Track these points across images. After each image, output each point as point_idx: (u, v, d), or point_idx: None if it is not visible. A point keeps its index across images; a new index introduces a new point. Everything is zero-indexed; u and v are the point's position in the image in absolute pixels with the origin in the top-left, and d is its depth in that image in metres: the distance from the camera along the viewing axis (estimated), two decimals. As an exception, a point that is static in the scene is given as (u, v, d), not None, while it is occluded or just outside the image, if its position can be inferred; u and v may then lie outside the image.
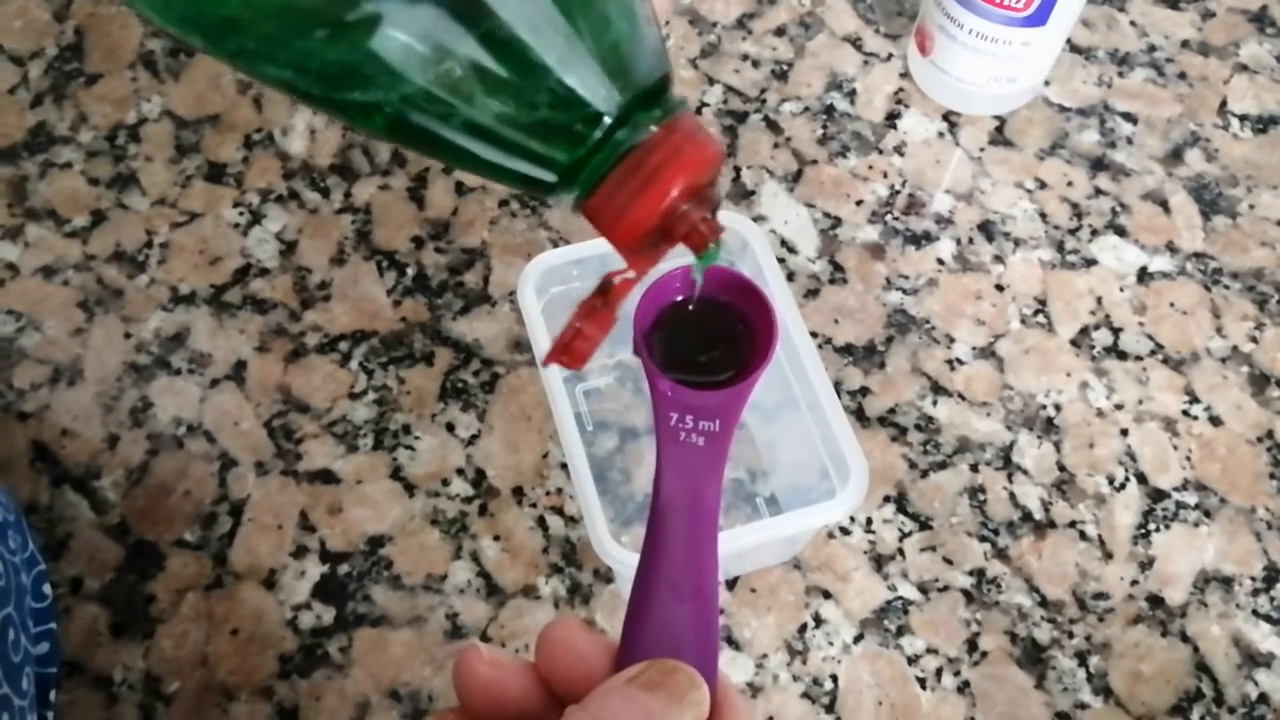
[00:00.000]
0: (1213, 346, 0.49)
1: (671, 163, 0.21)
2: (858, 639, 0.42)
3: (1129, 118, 0.56)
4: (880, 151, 0.54)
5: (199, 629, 0.42)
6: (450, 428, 0.46)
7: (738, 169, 0.53)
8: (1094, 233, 0.52)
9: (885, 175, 0.53)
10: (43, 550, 0.42)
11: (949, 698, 0.41)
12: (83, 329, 0.49)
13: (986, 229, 0.52)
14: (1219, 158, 0.54)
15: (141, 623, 0.42)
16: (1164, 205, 0.53)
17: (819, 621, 0.42)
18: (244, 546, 0.44)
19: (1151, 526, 0.45)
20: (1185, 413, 0.47)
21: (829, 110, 0.55)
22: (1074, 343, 0.49)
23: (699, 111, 0.55)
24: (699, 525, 0.24)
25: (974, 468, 0.46)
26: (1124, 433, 0.47)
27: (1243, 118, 0.56)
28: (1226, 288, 0.51)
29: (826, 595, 0.43)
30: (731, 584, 0.43)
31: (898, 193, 0.53)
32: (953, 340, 0.49)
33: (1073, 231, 0.52)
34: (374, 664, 0.41)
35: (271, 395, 0.47)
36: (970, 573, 0.43)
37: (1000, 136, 0.55)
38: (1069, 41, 0.57)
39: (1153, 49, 0.58)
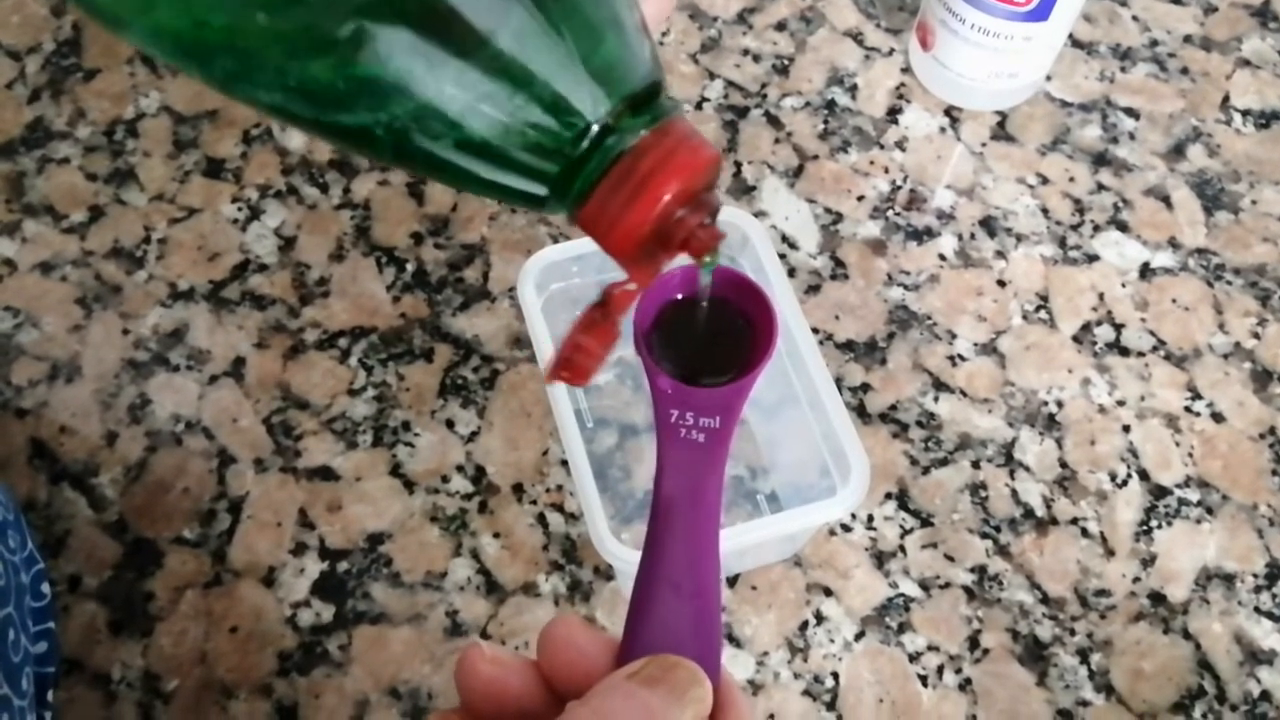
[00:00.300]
0: (1215, 343, 0.49)
1: (663, 168, 0.20)
2: (859, 636, 0.42)
3: (1131, 113, 0.55)
4: (881, 147, 0.54)
5: (198, 627, 0.42)
6: (450, 424, 0.46)
7: (738, 164, 0.53)
8: (1096, 228, 0.52)
9: (886, 171, 0.53)
10: (41, 548, 0.42)
11: (950, 695, 0.41)
12: (81, 325, 0.48)
13: (988, 225, 0.52)
14: (1221, 153, 0.54)
15: (140, 620, 0.42)
16: (1166, 201, 0.53)
17: (820, 619, 0.42)
18: (243, 544, 0.43)
19: (1153, 523, 0.44)
20: (1187, 409, 0.47)
21: (830, 105, 0.55)
22: (1076, 339, 0.49)
23: (699, 107, 0.55)
24: (700, 522, 0.24)
25: (975, 464, 0.45)
26: (1126, 429, 0.47)
27: (1245, 113, 0.56)
28: (1229, 284, 0.50)
29: (827, 592, 0.43)
30: (732, 581, 0.43)
31: (899, 188, 0.53)
32: (954, 336, 0.49)
33: (1075, 227, 0.52)
34: (373, 662, 0.41)
35: (270, 392, 0.47)
36: (972, 570, 0.43)
37: (1002, 132, 0.55)
38: (1071, 36, 0.57)
39: (1155, 44, 0.58)
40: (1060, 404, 0.47)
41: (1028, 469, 0.45)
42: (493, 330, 0.48)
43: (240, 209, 0.52)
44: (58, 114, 0.54)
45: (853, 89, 0.56)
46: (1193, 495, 0.45)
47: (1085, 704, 0.41)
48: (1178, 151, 0.54)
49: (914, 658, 0.42)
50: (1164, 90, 0.56)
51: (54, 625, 0.40)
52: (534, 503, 0.44)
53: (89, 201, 0.52)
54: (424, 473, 0.45)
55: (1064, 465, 0.46)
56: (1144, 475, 0.45)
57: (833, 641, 0.42)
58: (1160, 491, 0.45)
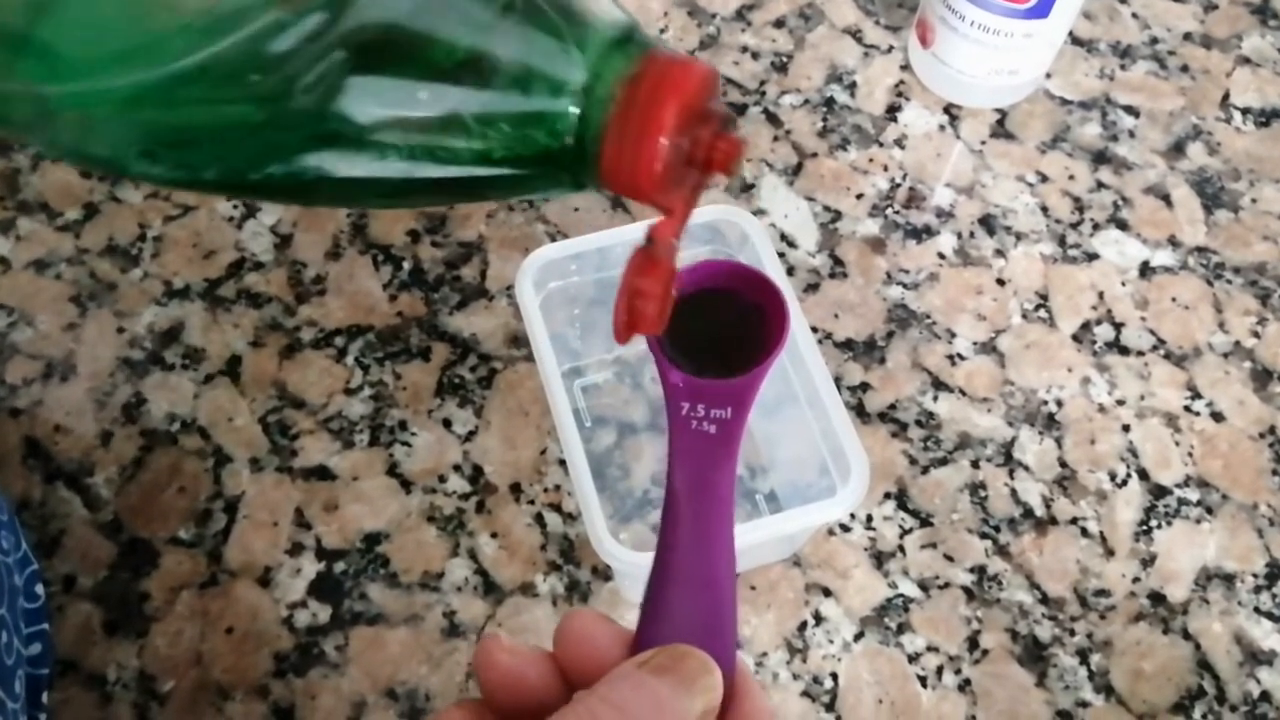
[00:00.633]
0: (1215, 341, 0.49)
1: (658, 92, 0.20)
2: (858, 637, 0.42)
3: (1131, 111, 0.55)
4: (881, 144, 0.54)
5: (193, 627, 0.42)
6: (447, 423, 0.46)
7: (737, 162, 0.53)
8: (1095, 227, 0.52)
9: (886, 168, 0.53)
10: (35, 548, 0.42)
11: (950, 696, 0.41)
12: (75, 324, 0.48)
13: (987, 223, 0.51)
14: (1221, 151, 0.54)
15: (135, 621, 0.42)
16: (1166, 199, 0.53)
17: (819, 619, 0.42)
18: (239, 544, 0.43)
19: (1153, 523, 0.44)
20: (1187, 408, 0.47)
21: (829, 103, 0.55)
22: (1075, 338, 0.49)
23: (698, 104, 0.55)
24: (712, 513, 0.24)
25: (975, 464, 0.45)
26: (1125, 428, 0.46)
27: (1245, 111, 0.56)
28: (1229, 282, 0.50)
29: (826, 593, 0.43)
30: (731, 581, 0.43)
31: (898, 186, 0.52)
32: (954, 335, 0.48)
33: (1074, 225, 0.52)
34: (370, 662, 0.41)
35: (266, 391, 0.46)
36: (971, 570, 0.43)
37: (1001, 129, 0.54)
38: (1071, 34, 0.57)
39: (1155, 41, 0.58)
40: (1060, 403, 0.47)
41: (1027, 468, 0.45)
42: (490, 329, 0.48)
43: (235, 206, 0.51)
44: (52, 111, 0.54)
45: (852, 86, 0.56)
46: (1192, 495, 0.45)
47: (1085, 704, 0.41)
48: (1178, 149, 0.54)
49: (913, 658, 0.41)
50: (1164, 88, 0.56)
51: (48, 626, 0.40)
52: (532, 502, 0.44)
53: (83, 199, 0.51)
54: (421, 472, 0.45)
55: (1063, 465, 0.45)
56: (1144, 475, 0.45)
57: (832, 642, 0.42)
58: (1160, 491, 0.45)
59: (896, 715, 0.40)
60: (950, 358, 0.48)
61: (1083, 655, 0.42)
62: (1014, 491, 0.45)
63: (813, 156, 0.53)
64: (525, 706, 0.23)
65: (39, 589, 0.40)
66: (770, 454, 0.45)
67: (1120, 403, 0.47)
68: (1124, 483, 0.45)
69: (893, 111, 0.55)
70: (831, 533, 0.44)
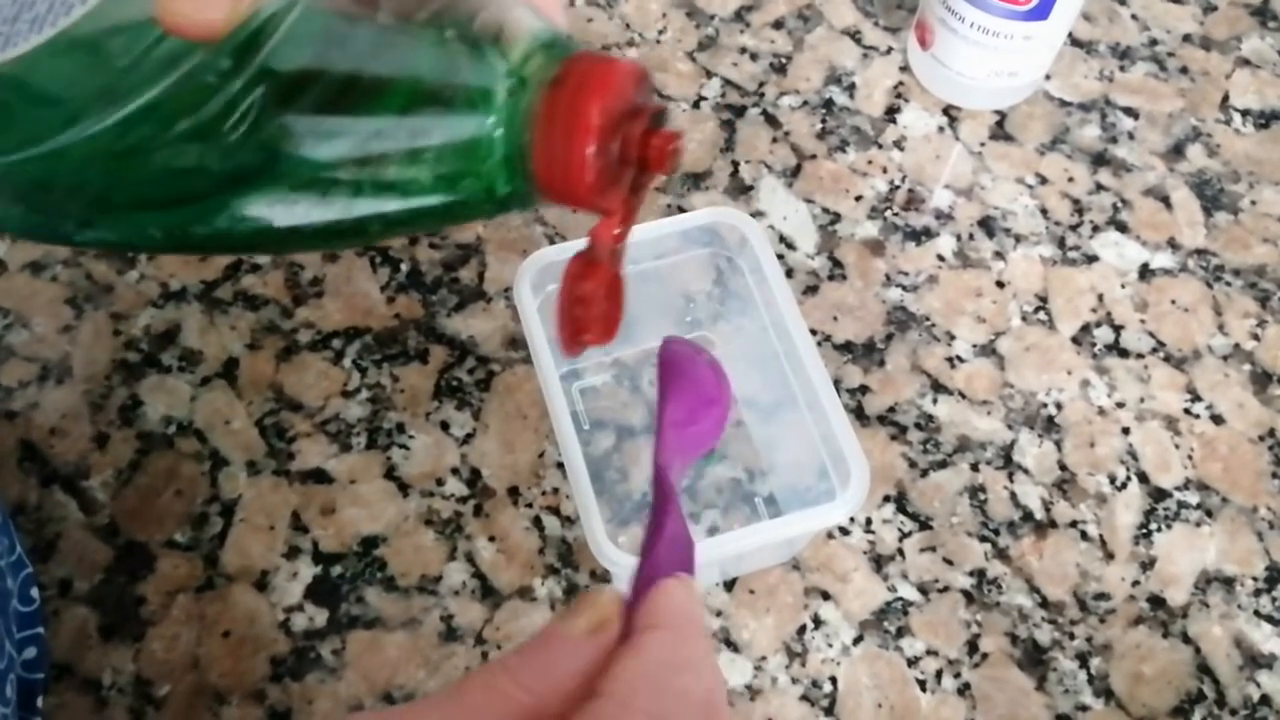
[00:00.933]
0: (1214, 344, 0.49)
1: (580, 91, 0.20)
2: (857, 640, 0.42)
3: (1130, 112, 0.55)
4: (880, 146, 0.54)
5: (190, 631, 0.41)
6: (445, 426, 0.45)
7: (736, 163, 0.53)
8: (1095, 229, 0.51)
9: (885, 170, 0.53)
10: (30, 552, 0.41)
11: (949, 699, 0.41)
12: (71, 326, 0.48)
13: (987, 225, 0.51)
14: (1221, 153, 0.54)
15: (131, 625, 0.41)
16: (1165, 201, 0.53)
17: (818, 623, 0.42)
18: (235, 547, 0.43)
19: (1153, 526, 0.44)
20: (1187, 411, 0.47)
21: (828, 104, 0.55)
22: (1075, 340, 0.48)
23: (696, 105, 0.55)
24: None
25: (974, 467, 0.45)
26: (1125, 431, 0.46)
27: (1245, 113, 0.55)
28: (1228, 285, 0.50)
29: (826, 596, 0.42)
30: (730, 585, 0.43)
31: (897, 188, 0.52)
32: (953, 338, 0.48)
33: (1074, 227, 0.51)
34: (367, 667, 0.41)
35: (263, 393, 0.46)
36: (970, 573, 0.43)
37: (1001, 131, 0.54)
38: (1070, 35, 0.57)
39: (1154, 43, 0.58)
40: (1059, 406, 0.47)
41: (1027, 471, 0.45)
42: (488, 331, 0.48)
43: (233, 208, 0.51)
44: (48, 112, 0.54)
45: (851, 88, 0.55)
46: (1192, 498, 0.45)
47: (1084, 708, 0.41)
48: (1177, 151, 0.54)
49: (912, 662, 0.41)
50: (1163, 90, 0.56)
51: (43, 630, 0.40)
52: (530, 506, 0.44)
53: (80, 200, 0.51)
54: (418, 475, 0.44)
55: (1063, 468, 0.45)
56: (1143, 478, 0.45)
57: (831, 646, 0.41)
58: (1160, 494, 0.45)
59: (896, 719, 0.40)
60: (949, 360, 0.48)
61: (1082, 659, 0.42)
62: (1013, 495, 0.45)
63: (811, 158, 0.53)
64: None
65: (34, 593, 0.40)
66: (769, 457, 0.45)
67: (1120, 405, 0.47)
68: (1124, 486, 0.45)
69: (892, 113, 0.55)
70: (831, 536, 0.44)
